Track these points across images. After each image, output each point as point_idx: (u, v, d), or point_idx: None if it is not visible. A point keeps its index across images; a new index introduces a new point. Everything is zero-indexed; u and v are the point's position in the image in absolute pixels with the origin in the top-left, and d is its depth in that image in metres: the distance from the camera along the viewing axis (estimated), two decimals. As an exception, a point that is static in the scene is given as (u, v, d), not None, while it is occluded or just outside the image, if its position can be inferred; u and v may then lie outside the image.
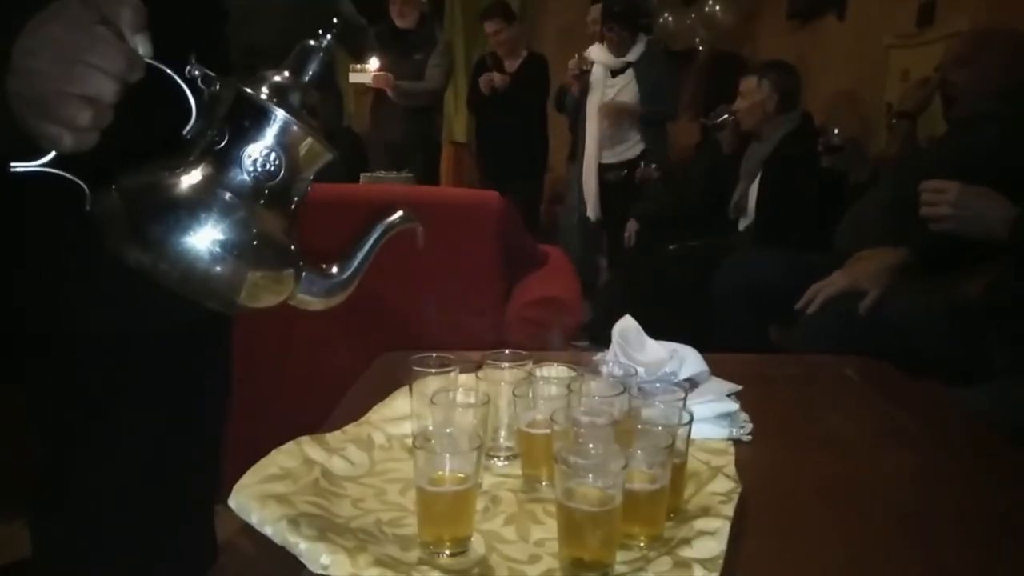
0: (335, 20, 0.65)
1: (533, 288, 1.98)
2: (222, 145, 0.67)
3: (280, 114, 0.67)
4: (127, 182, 0.66)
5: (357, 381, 1.13)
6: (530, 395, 0.81)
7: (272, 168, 0.68)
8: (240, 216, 0.66)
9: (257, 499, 0.68)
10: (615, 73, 3.91)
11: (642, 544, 0.67)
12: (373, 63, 3.78)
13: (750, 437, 0.93)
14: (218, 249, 0.64)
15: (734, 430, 0.93)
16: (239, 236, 0.65)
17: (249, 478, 0.72)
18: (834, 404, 1.11)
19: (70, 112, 0.60)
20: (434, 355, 0.89)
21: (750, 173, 2.78)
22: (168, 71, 0.65)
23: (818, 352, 1.62)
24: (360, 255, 0.76)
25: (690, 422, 0.74)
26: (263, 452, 0.79)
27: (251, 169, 0.67)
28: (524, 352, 0.93)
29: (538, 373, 0.88)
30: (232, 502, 0.69)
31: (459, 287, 1.93)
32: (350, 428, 0.87)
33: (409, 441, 0.86)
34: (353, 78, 4.00)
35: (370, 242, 0.76)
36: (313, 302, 0.74)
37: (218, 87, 0.67)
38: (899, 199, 1.89)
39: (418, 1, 3.96)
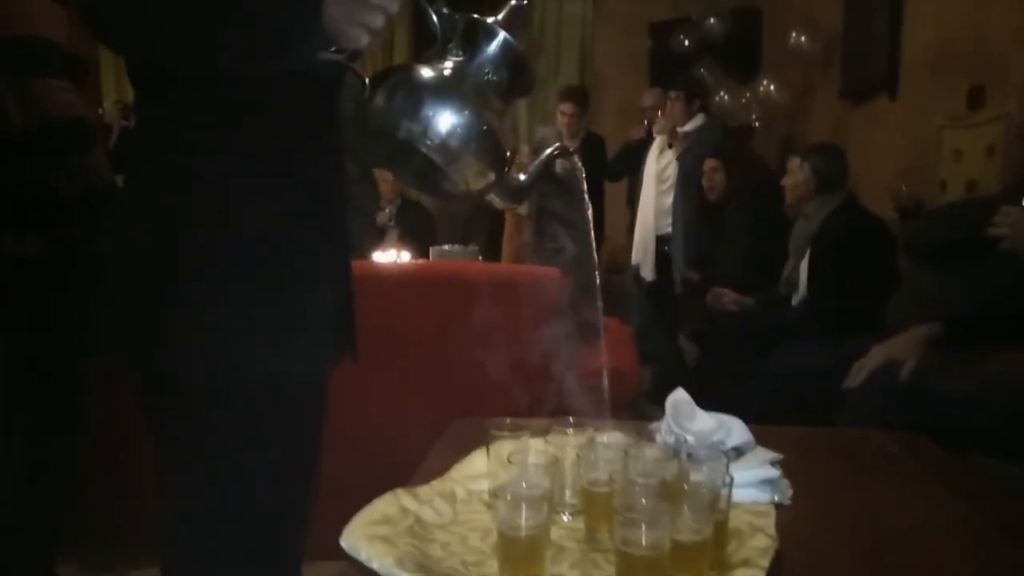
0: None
1: (593, 358, 2.10)
2: (462, 59, 0.91)
3: (504, 35, 0.91)
4: (395, 79, 0.90)
5: (435, 443, 1.26)
6: (592, 457, 0.93)
7: (497, 78, 0.92)
8: (480, 111, 0.90)
9: (366, 540, 0.81)
10: (671, 145, 4.11)
11: (689, 589, 0.78)
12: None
13: (791, 502, 1.03)
14: (462, 129, 0.88)
15: (776, 495, 1.03)
16: (477, 124, 0.89)
17: (356, 522, 0.86)
18: (874, 475, 1.19)
19: (369, 18, 0.82)
20: (508, 420, 1.03)
21: (799, 250, 2.88)
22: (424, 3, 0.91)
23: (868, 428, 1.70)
24: (532, 170, 0.99)
25: (730, 484, 0.85)
26: (346, 504, 0.93)
27: (486, 76, 0.91)
28: (586, 420, 1.06)
29: (599, 439, 1.01)
30: (344, 542, 0.83)
31: (523, 357, 2.07)
32: (436, 483, 1.01)
33: (486, 496, 0.99)
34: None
35: (539, 161, 1.00)
36: (499, 200, 1.00)
37: (456, 18, 0.92)
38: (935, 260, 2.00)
39: None
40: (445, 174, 0.90)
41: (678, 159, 4.02)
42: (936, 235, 2.09)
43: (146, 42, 0.88)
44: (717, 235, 3.75)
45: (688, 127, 4.06)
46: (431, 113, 0.87)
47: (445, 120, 0.87)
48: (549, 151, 1.03)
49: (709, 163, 3.74)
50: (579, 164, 1.12)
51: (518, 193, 1.01)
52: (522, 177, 1.00)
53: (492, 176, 0.94)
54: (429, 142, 0.87)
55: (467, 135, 0.88)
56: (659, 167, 4.19)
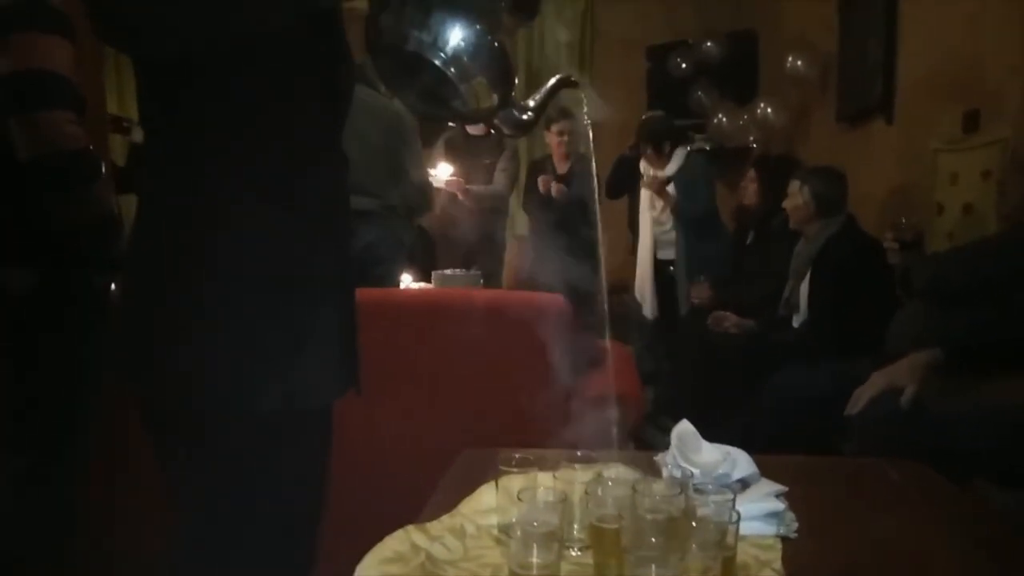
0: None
1: (595, 385, 2.11)
2: None
3: None
4: None
5: (445, 475, 1.27)
6: (600, 493, 0.94)
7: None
8: (490, 25, 0.89)
9: (378, 578, 0.83)
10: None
11: (698, 626, 0.79)
12: (445, 168, 4.06)
13: (796, 535, 1.04)
14: (473, 43, 0.87)
15: (781, 528, 1.04)
16: (488, 39, 0.88)
17: (369, 560, 0.87)
18: (877, 505, 1.20)
19: None
20: (517, 455, 1.04)
21: (799, 272, 2.90)
22: None
23: (870, 455, 1.71)
24: (540, 101, 0.99)
25: (738, 520, 0.86)
26: (352, 532, 0.92)
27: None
28: (593, 454, 1.07)
29: (606, 474, 1.02)
30: (356, 580, 0.84)
31: (526, 384, 2.08)
32: (445, 519, 1.02)
33: (495, 531, 1.00)
34: (427, 181, 4.28)
35: (545, 90, 1.00)
36: (506, 128, 0.99)
37: None
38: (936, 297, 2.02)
39: None
40: (455, 90, 0.89)
41: (672, 211, 4.07)
42: (942, 277, 2.10)
43: (160, 28, 0.83)
44: (742, 252, 3.77)
45: (669, 170, 4.08)
46: (441, 23, 0.86)
47: (455, 31, 0.87)
48: (554, 81, 1.03)
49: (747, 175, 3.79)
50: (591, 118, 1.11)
51: (524, 122, 0.99)
52: (531, 103, 0.99)
53: (499, 97, 0.94)
54: (441, 53, 0.86)
55: (478, 49, 0.87)
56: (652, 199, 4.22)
